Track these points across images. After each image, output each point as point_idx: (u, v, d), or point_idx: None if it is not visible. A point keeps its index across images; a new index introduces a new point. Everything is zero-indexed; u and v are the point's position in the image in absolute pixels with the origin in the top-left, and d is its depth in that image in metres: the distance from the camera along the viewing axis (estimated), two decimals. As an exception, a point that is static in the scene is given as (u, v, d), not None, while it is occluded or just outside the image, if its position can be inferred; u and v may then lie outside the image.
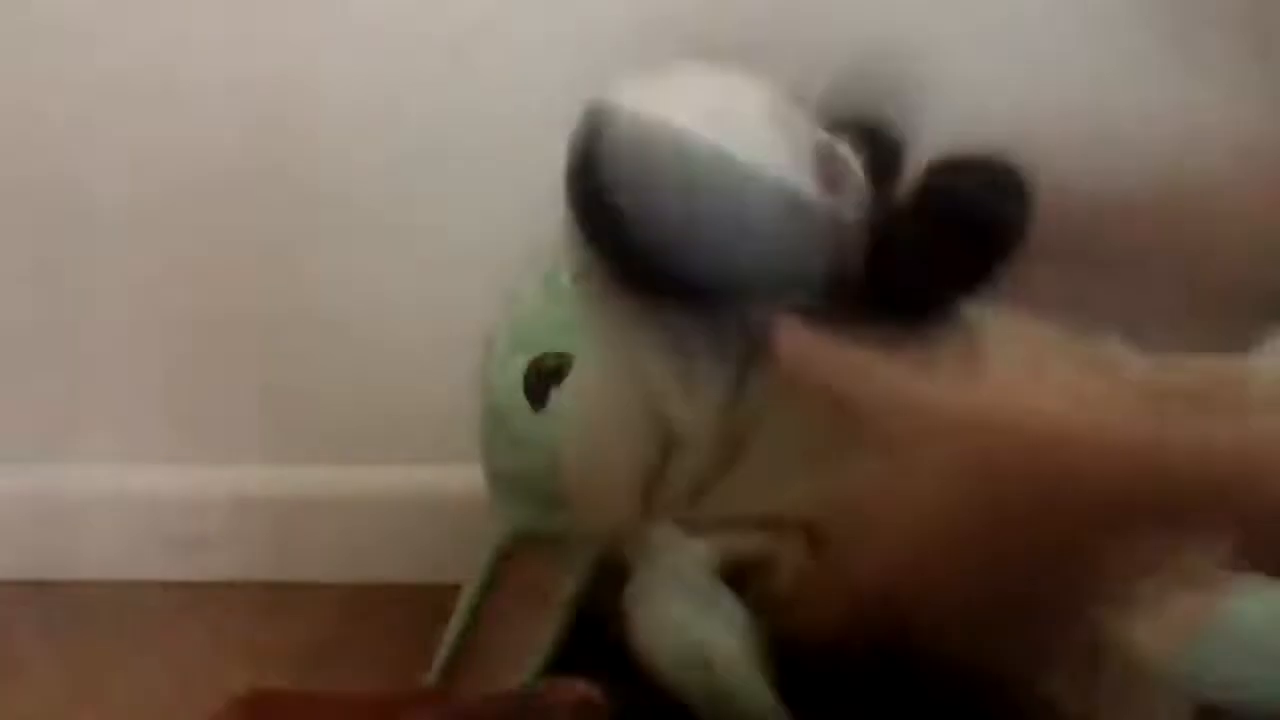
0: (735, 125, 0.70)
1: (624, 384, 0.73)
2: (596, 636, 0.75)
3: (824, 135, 0.73)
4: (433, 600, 1.01)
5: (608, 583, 0.73)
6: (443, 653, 0.81)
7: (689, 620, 0.67)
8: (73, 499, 1.07)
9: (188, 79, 0.98)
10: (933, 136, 0.78)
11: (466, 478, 1.04)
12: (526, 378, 0.76)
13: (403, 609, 1.01)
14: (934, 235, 0.72)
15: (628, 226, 0.71)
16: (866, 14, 0.92)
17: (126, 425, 1.06)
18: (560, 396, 0.75)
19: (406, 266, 1.01)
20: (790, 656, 0.68)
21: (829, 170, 0.71)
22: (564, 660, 0.76)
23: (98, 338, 1.05)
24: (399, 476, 1.05)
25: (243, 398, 1.05)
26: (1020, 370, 0.71)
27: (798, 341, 0.65)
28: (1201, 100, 0.90)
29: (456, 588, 1.02)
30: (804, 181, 0.70)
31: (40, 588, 1.05)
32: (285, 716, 0.77)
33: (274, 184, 1.00)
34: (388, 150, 0.98)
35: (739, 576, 0.69)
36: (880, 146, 0.76)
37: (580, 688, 0.73)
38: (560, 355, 0.76)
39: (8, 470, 1.07)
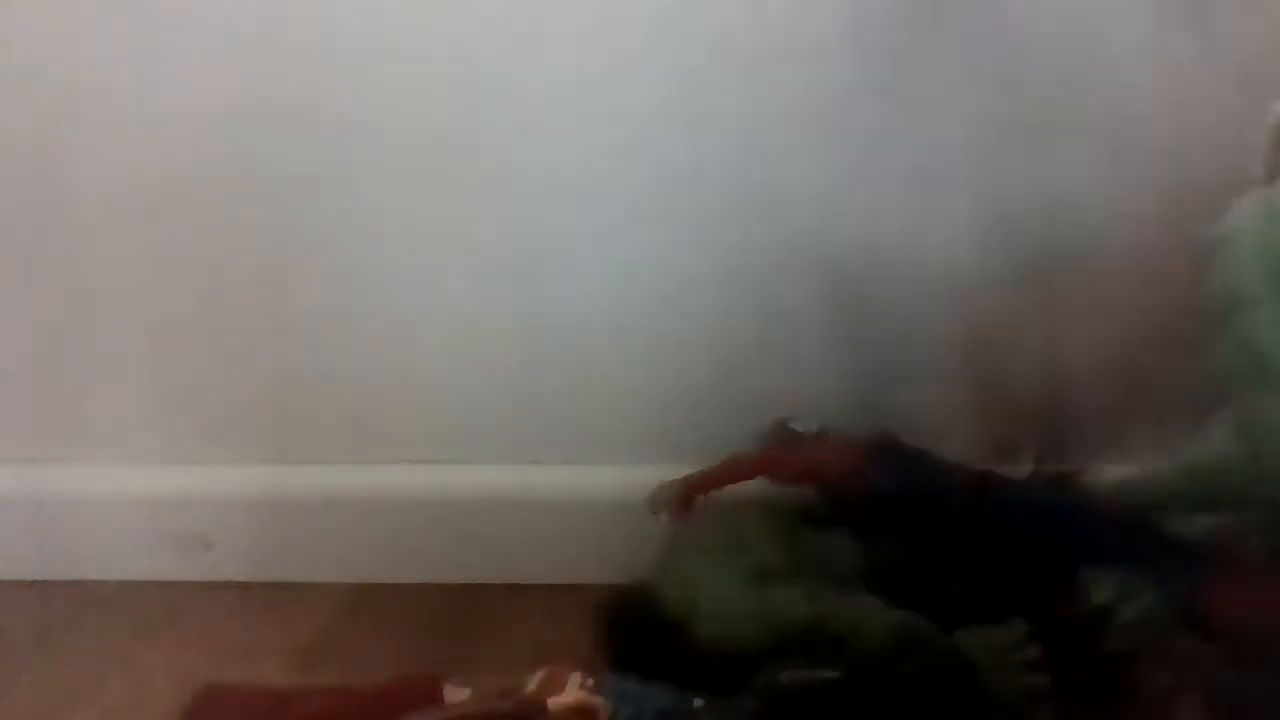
0: None
1: None
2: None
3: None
4: (432, 600, 1.02)
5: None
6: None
7: None
8: (73, 499, 1.07)
9: (187, 80, 0.98)
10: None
11: (467, 478, 1.05)
12: None
13: (403, 609, 1.01)
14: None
15: None
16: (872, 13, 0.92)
17: (126, 425, 1.06)
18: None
19: (408, 267, 1.01)
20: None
21: None
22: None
23: (98, 338, 1.05)
24: (399, 476, 1.05)
25: (243, 398, 1.05)
26: None
27: None
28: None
29: (456, 588, 1.03)
30: None
31: (40, 588, 1.05)
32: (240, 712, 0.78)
33: (275, 185, 1.00)
34: (392, 149, 0.98)
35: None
36: None
37: (577, 694, 0.73)
38: None
39: (8, 470, 1.07)
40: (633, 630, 0.88)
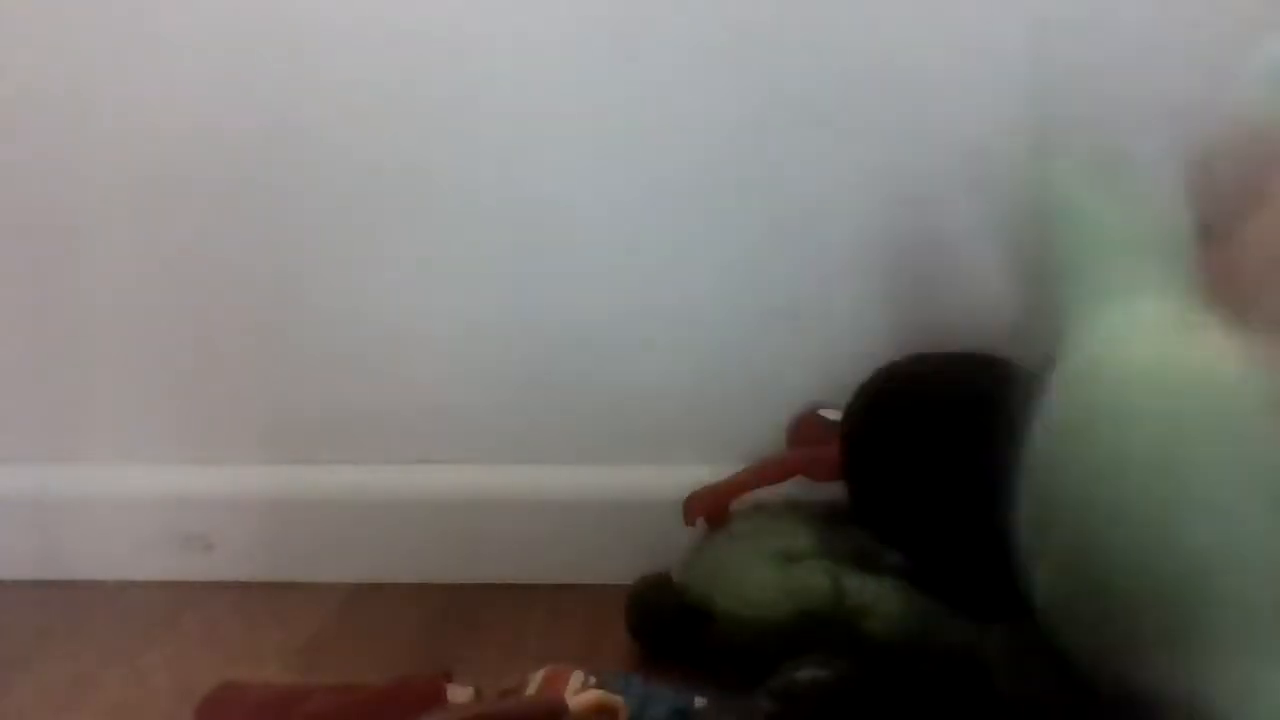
0: None
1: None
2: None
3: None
4: (432, 600, 1.02)
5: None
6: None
7: None
8: (73, 499, 1.07)
9: (189, 82, 0.98)
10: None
11: (467, 478, 1.05)
12: None
13: (403, 609, 1.01)
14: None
15: None
16: (867, 15, 0.92)
17: (126, 425, 1.06)
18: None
19: (408, 268, 1.01)
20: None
21: None
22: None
23: (97, 338, 1.05)
24: (399, 477, 1.05)
25: (243, 398, 1.05)
26: None
27: None
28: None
29: (456, 588, 1.03)
30: None
31: (40, 588, 1.05)
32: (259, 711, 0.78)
33: (275, 186, 1.00)
34: (390, 149, 0.98)
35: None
36: None
37: (598, 694, 0.73)
38: None
39: (8, 470, 1.07)
40: (660, 616, 0.88)
